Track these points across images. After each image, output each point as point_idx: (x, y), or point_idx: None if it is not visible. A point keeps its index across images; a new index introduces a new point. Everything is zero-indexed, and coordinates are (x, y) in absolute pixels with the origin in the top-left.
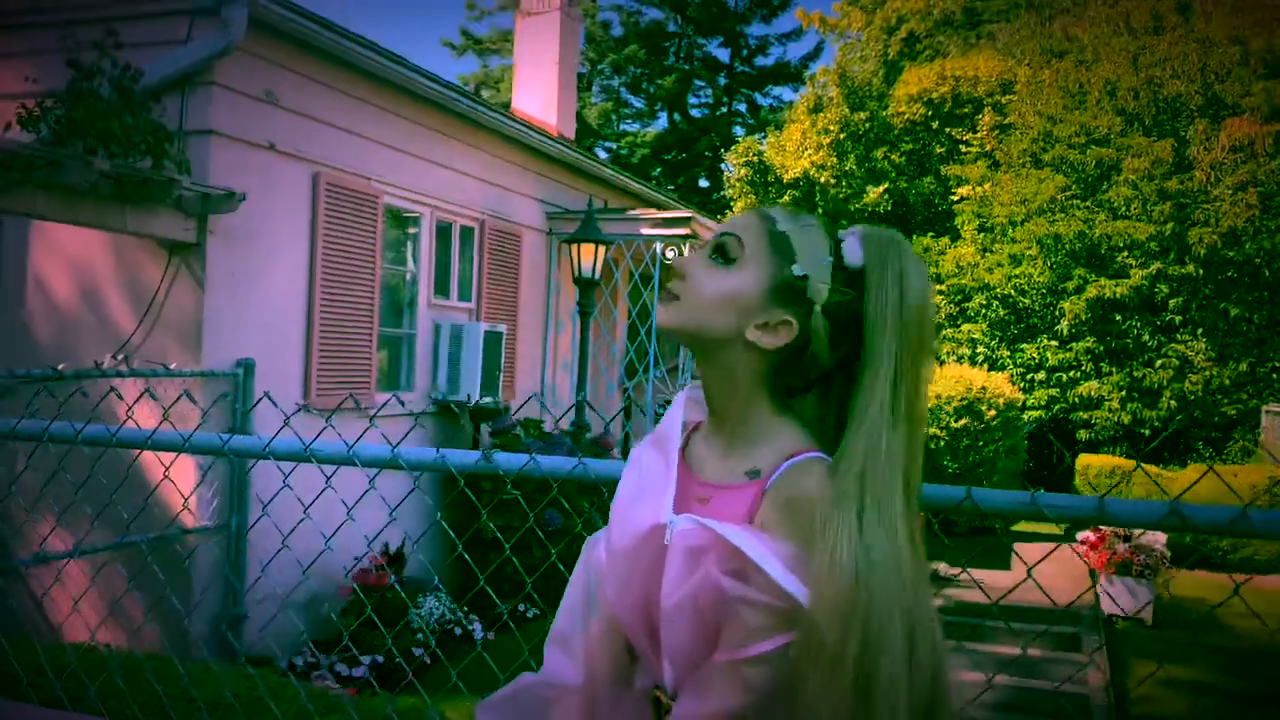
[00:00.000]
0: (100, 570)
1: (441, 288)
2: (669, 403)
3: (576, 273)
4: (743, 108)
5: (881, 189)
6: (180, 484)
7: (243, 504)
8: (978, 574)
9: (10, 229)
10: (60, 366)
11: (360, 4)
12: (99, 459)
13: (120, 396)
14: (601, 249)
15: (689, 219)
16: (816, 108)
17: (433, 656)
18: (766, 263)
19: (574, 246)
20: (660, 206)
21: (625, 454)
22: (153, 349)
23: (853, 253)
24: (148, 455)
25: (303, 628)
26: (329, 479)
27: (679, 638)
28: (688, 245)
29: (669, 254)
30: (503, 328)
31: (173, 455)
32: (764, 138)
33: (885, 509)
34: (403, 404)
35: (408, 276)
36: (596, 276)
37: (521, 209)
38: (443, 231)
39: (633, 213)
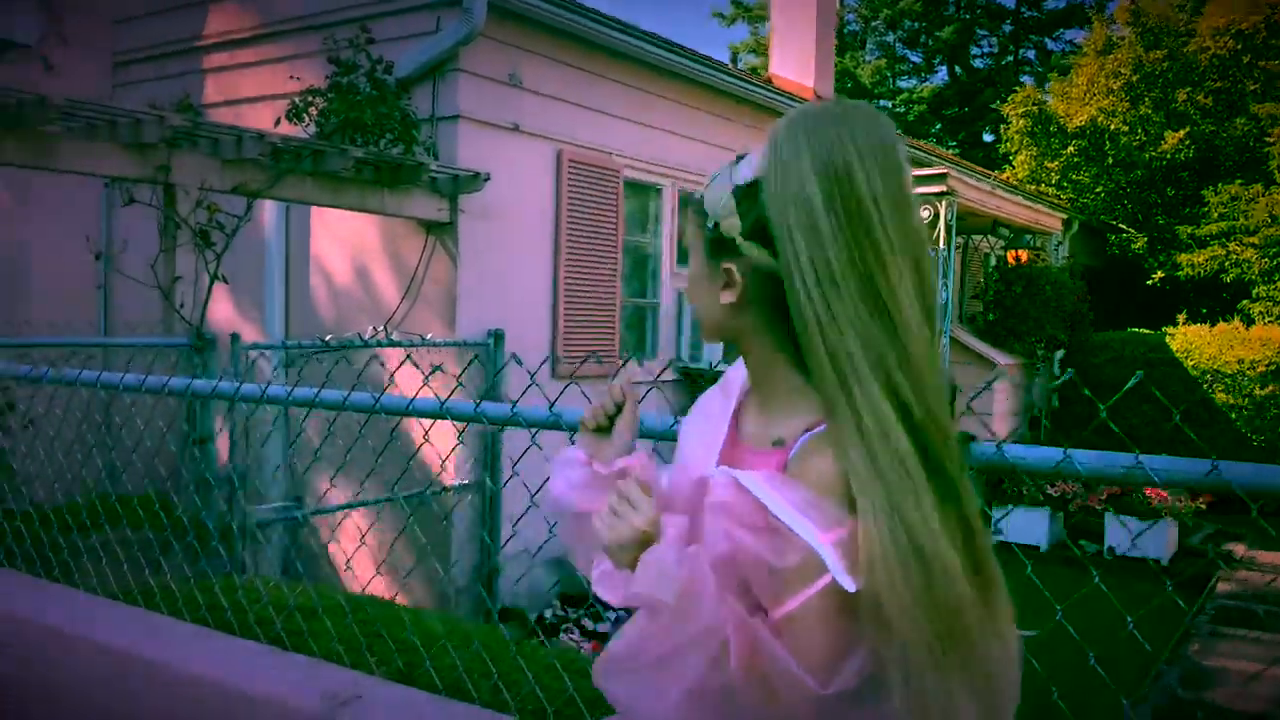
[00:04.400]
0: (375, 523)
1: (684, 257)
2: None
3: None
4: (1031, 55)
5: (1182, 134)
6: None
7: (495, 464)
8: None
9: (295, 216)
10: (327, 338)
11: None
12: (365, 421)
13: (383, 364)
14: None
15: (944, 175)
16: (1106, 49)
17: None
18: (696, 233)
19: None
20: (919, 164)
21: None
22: (414, 321)
23: (745, 166)
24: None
25: (553, 582)
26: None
27: None
28: (943, 202)
29: (924, 212)
30: None
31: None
32: (1047, 85)
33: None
34: (605, 369)
35: (650, 248)
36: None
37: None
38: (685, 202)
39: None
